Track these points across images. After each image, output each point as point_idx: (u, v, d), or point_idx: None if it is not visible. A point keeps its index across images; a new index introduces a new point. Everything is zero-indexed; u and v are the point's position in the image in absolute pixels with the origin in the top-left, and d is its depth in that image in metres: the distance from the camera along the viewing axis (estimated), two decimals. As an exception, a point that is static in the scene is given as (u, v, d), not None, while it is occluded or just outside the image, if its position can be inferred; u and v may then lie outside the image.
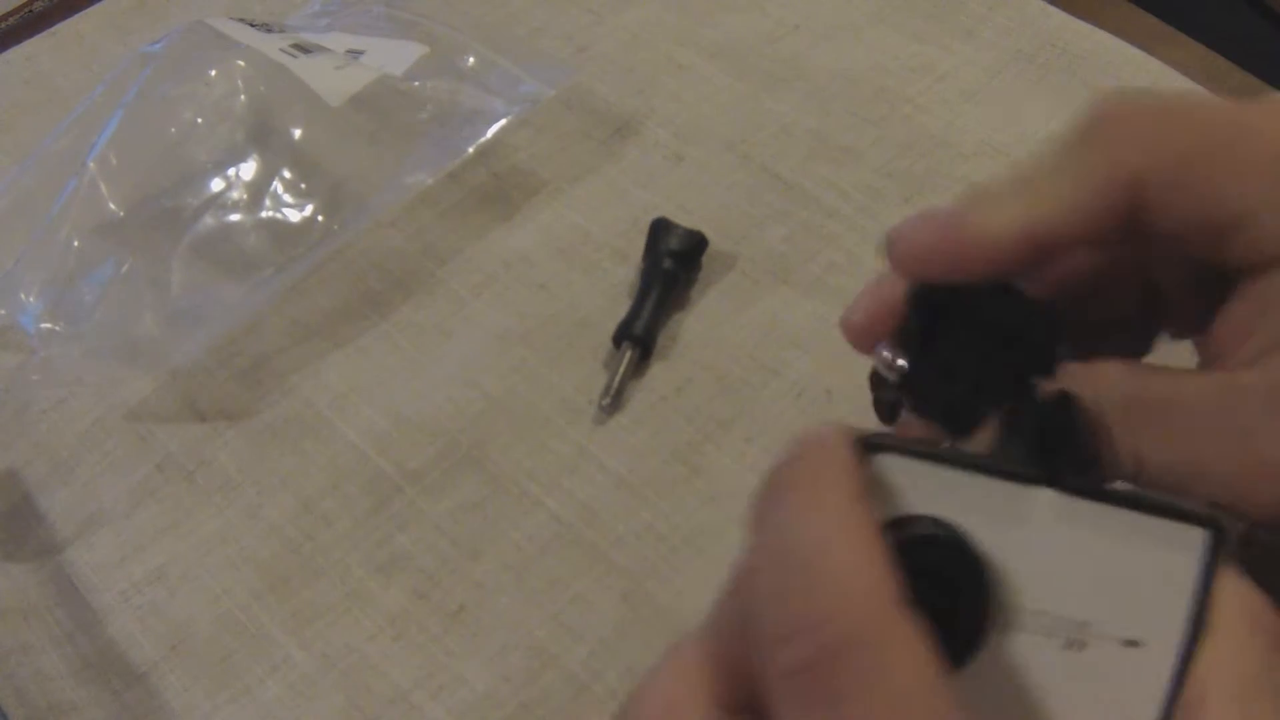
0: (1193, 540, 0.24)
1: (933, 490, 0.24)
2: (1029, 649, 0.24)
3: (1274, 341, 0.26)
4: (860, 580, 0.20)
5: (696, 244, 0.46)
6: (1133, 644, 0.24)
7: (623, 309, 0.45)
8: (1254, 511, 0.26)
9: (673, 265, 0.45)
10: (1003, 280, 0.27)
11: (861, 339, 0.29)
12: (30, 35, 0.60)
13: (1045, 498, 0.24)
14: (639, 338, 0.44)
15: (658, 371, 0.44)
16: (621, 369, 0.43)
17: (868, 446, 0.24)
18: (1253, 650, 0.23)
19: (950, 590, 0.23)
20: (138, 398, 0.45)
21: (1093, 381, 0.27)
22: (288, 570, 0.40)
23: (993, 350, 0.26)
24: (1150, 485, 0.26)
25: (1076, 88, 0.52)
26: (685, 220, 0.47)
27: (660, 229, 0.46)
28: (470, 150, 0.48)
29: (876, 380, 0.28)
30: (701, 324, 0.46)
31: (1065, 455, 0.26)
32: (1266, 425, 0.25)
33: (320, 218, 0.47)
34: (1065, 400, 0.26)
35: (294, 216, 0.47)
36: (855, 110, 0.52)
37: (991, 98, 0.52)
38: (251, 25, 0.51)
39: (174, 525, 0.42)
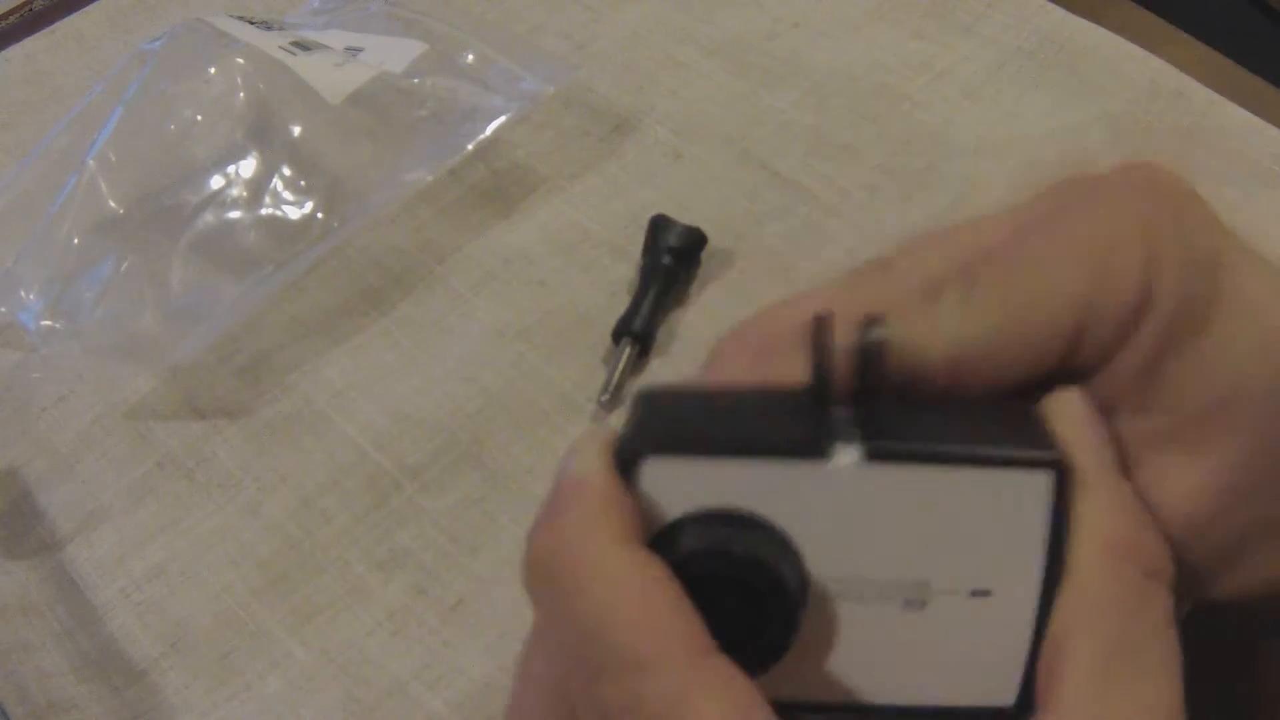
0: (1034, 485, 0.22)
1: (720, 481, 0.22)
2: (862, 617, 0.23)
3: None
4: (652, 650, 0.19)
5: (695, 241, 0.46)
6: (982, 594, 0.23)
7: (622, 305, 0.45)
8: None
9: (672, 262, 0.45)
10: None
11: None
12: (30, 34, 0.60)
13: (847, 468, 0.22)
14: (638, 334, 0.44)
15: (657, 368, 0.44)
16: (621, 365, 0.43)
17: (633, 458, 0.22)
18: (1120, 591, 0.22)
19: (750, 581, 0.22)
20: (138, 395, 0.45)
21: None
22: (287, 567, 0.40)
23: None
24: None
25: (1076, 85, 0.52)
26: (684, 217, 0.47)
27: (659, 226, 0.46)
28: (469, 147, 0.48)
29: None
30: (700, 321, 0.46)
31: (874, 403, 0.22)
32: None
33: (320, 215, 0.47)
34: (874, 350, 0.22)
35: (293, 214, 0.47)
36: (854, 107, 0.52)
37: (991, 95, 0.52)
38: (250, 23, 0.51)
39: (174, 522, 0.42)
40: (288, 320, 0.47)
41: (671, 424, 0.23)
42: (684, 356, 0.44)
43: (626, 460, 0.22)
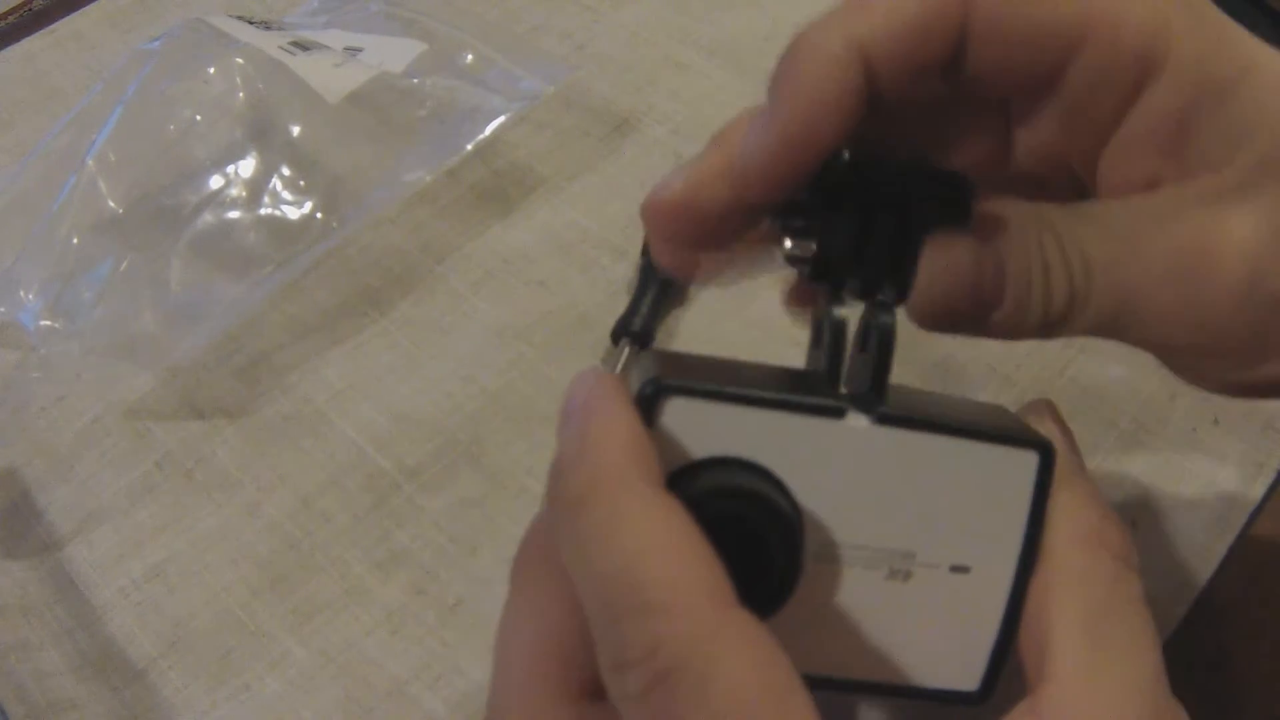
0: (1021, 463, 0.24)
1: (735, 430, 0.23)
2: (850, 583, 0.24)
3: (1195, 161, 0.24)
4: (678, 597, 0.20)
5: (695, 241, 0.46)
6: (961, 570, 0.24)
7: (621, 306, 0.45)
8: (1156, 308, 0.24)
9: (671, 262, 0.45)
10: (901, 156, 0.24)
11: (674, 217, 0.25)
12: (29, 33, 0.60)
13: (858, 429, 0.23)
14: (637, 334, 0.44)
15: (656, 368, 0.44)
16: (620, 365, 0.43)
17: (655, 396, 0.22)
18: (1096, 570, 0.23)
19: (754, 532, 0.23)
20: (137, 395, 0.45)
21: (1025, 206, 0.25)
22: (286, 567, 0.40)
23: (901, 211, 0.24)
24: (1093, 289, 0.24)
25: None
26: (684, 217, 0.47)
27: (659, 226, 0.46)
28: (469, 147, 0.48)
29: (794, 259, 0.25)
30: (700, 321, 0.46)
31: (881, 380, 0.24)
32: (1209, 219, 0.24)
33: (319, 215, 0.47)
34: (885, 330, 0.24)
35: (293, 214, 0.47)
36: (854, 107, 0.52)
37: (990, 94, 0.52)
38: (250, 22, 0.51)
39: (173, 522, 0.42)
40: (287, 320, 0.47)
41: (689, 373, 0.24)
42: (683, 356, 0.44)
43: (649, 398, 0.22)
